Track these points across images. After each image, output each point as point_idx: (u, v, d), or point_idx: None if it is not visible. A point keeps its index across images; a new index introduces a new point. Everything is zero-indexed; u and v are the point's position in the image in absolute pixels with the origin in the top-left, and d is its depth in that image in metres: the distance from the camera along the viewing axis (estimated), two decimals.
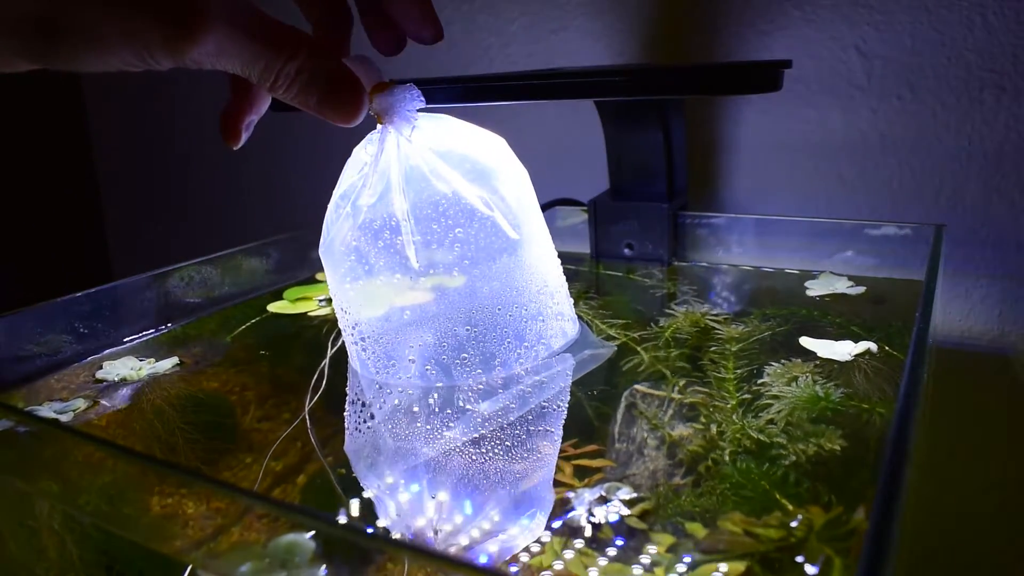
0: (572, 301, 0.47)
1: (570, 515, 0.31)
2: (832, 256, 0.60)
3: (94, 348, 0.53)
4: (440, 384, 0.42)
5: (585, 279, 0.63)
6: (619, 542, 0.30)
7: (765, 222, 0.63)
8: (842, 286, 0.56)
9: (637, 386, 0.43)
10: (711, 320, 0.51)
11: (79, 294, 0.53)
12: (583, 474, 0.35)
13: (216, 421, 0.44)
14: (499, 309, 0.42)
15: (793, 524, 0.30)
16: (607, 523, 0.31)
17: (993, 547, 0.65)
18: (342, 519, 0.33)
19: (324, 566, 0.27)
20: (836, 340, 0.46)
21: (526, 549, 0.30)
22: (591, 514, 0.31)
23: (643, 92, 0.50)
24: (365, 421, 0.42)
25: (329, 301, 0.60)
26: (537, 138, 0.80)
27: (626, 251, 0.65)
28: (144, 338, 0.56)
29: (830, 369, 0.43)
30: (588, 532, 0.30)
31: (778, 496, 0.32)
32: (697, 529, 0.30)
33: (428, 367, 0.42)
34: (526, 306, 0.43)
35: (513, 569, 0.29)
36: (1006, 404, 0.64)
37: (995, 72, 0.59)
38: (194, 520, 0.32)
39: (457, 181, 0.41)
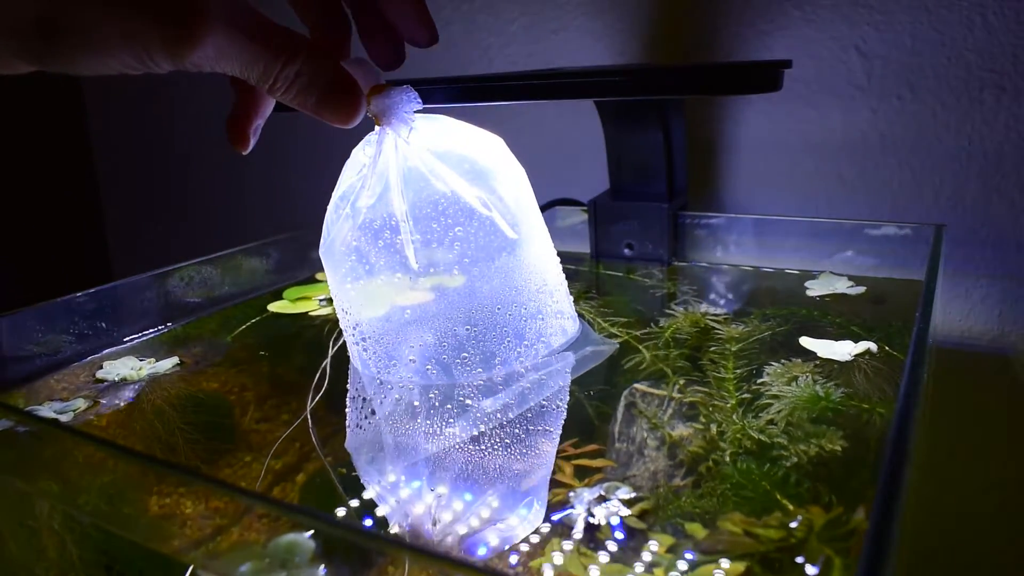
0: (572, 299, 0.47)
1: (569, 514, 0.31)
2: (832, 256, 0.60)
3: (94, 348, 0.53)
4: (441, 382, 0.42)
5: (585, 279, 0.63)
6: (619, 542, 0.30)
7: (765, 222, 0.63)
8: (842, 286, 0.56)
9: (637, 385, 0.43)
10: (711, 320, 0.51)
11: (79, 294, 0.53)
12: (583, 474, 0.35)
13: (216, 421, 0.44)
14: (499, 308, 0.42)
15: (793, 524, 0.30)
16: (607, 523, 0.31)
17: (993, 547, 0.65)
18: (343, 518, 0.33)
19: (324, 566, 0.27)
20: (836, 340, 0.46)
21: (526, 547, 0.30)
22: (590, 514, 0.31)
23: (643, 92, 0.50)
24: (366, 417, 0.42)
25: (329, 301, 0.60)
26: (537, 138, 0.80)
27: (626, 251, 0.65)
28: (144, 338, 0.56)
29: (830, 369, 0.43)
30: (588, 532, 0.30)
31: (778, 496, 0.32)
32: (697, 529, 0.30)
33: (429, 366, 0.42)
34: (525, 305, 0.43)
35: (512, 568, 0.29)
36: (1006, 404, 0.64)
37: (995, 72, 0.59)
38: (194, 520, 0.32)
39: (455, 181, 0.41)
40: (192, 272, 0.61)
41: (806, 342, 0.46)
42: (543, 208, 0.46)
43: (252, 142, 0.37)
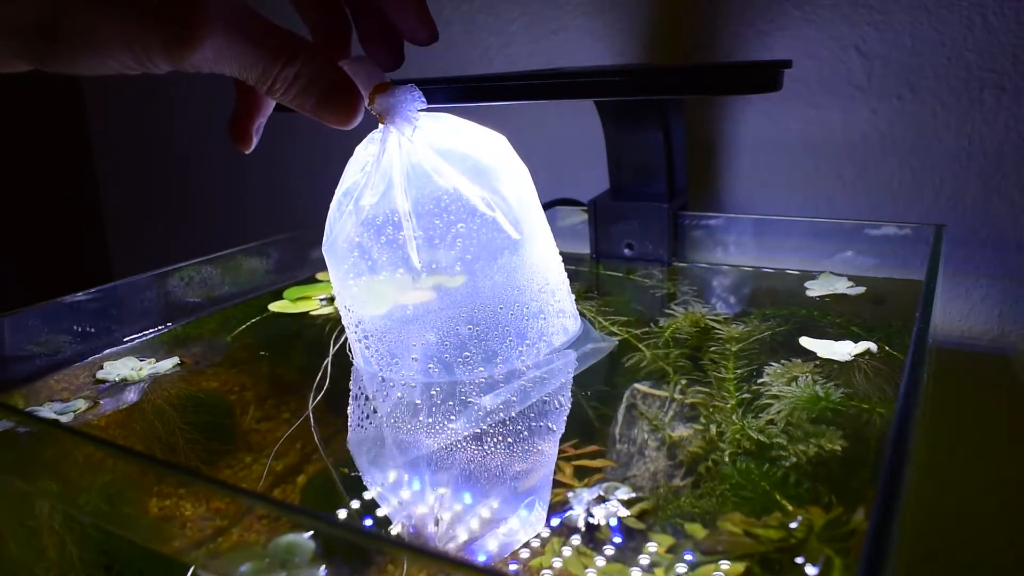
0: (573, 297, 0.47)
1: (569, 515, 0.31)
2: (832, 256, 0.60)
3: (94, 348, 0.53)
4: (443, 380, 0.42)
5: (585, 279, 0.63)
6: (618, 543, 0.30)
7: (765, 222, 0.63)
8: (842, 286, 0.56)
9: (637, 385, 0.43)
10: (711, 320, 0.51)
11: (79, 294, 0.53)
12: (583, 474, 0.35)
13: (216, 421, 0.44)
14: (501, 308, 0.42)
15: (793, 525, 0.30)
16: (606, 523, 0.31)
17: (993, 547, 0.65)
18: (343, 518, 0.33)
19: (324, 566, 0.27)
20: (836, 340, 0.46)
21: (525, 546, 0.30)
22: (590, 514, 0.31)
23: (643, 92, 0.50)
24: (367, 416, 0.42)
25: (330, 300, 0.60)
26: (537, 138, 0.80)
27: (626, 251, 0.65)
28: (144, 338, 0.56)
29: (830, 369, 0.43)
30: (587, 532, 0.30)
31: (778, 497, 0.32)
32: (697, 530, 0.30)
33: (431, 365, 0.42)
34: (527, 304, 0.43)
35: (513, 568, 0.29)
36: (1006, 404, 0.64)
37: (995, 72, 0.59)
38: (194, 520, 0.32)
39: (458, 180, 0.41)
40: (192, 272, 0.61)
41: (806, 342, 0.46)
42: (543, 208, 0.46)
43: (254, 141, 0.37)
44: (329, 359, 0.48)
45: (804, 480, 0.33)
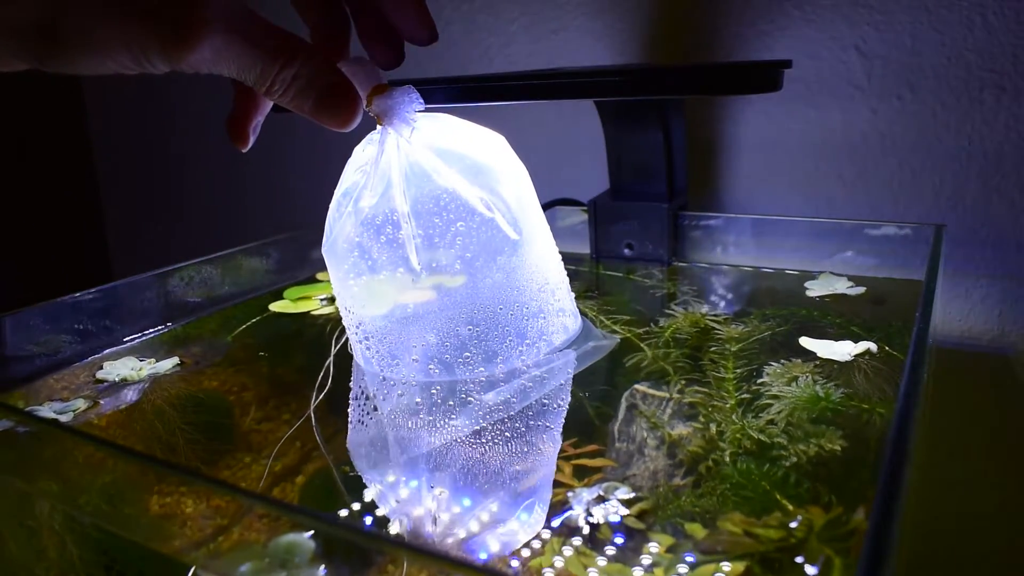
0: (573, 296, 0.47)
1: (569, 514, 0.31)
2: (832, 256, 0.60)
3: (94, 348, 0.53)
4: (444, 380, 0.42)
5: (585, 279, 0.63)
6: (618, 542, 0.30)
7: (765, 222, 0.63)
8: (842, 286, 0.56)
9: (637, 386, 0.43)
10: (711, 320, 0.51)
11: (79, 294, 0.53)
12: (583, 474, 0.35)
13: (217, 421, 0.44)
14: (500, 308, 0.42)
15: (793, 524, 0.30)
16: (606, 523, 0.31)
17: (993, 547, 0.65)
18: (344, 517, 0.33)
19: (324, 566, 0.27)
20: (836, 340, 0.46)
21: (525, 546, 0.30)
22: (589, 514, 0.31)
23: (643, 92, 0.50)
24: (368, 413, 0.42)
25: (331, 300, 0.60)
26: (537, 138, 0.80)
27: (626, 251, 0.65)
28: (144, 338, 0.56)
29: (830, 369, 0.43)
30: (587, 532, 0.30)
31: (778, 496, 0.32)
32: (697, 529, 0.30)
33: (431, 366, 0.42)
34: (527, 304, 0.43)
35: (513, 568, 0.29)
36: (1006, 404, 0.64)
37: (995, 72, 0.59)
38: (194, 520, 0.32)
39: (457, 181, 0.41)
40: (192, 272, 0.61)
41: (806, 342, 0.46)
42: (543, 208, 0.46)
43: (252, 139, 0.37)
44: (331, 359, 0.48)
45: (804, 480, 0.33)
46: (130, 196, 1.26)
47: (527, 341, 0.43)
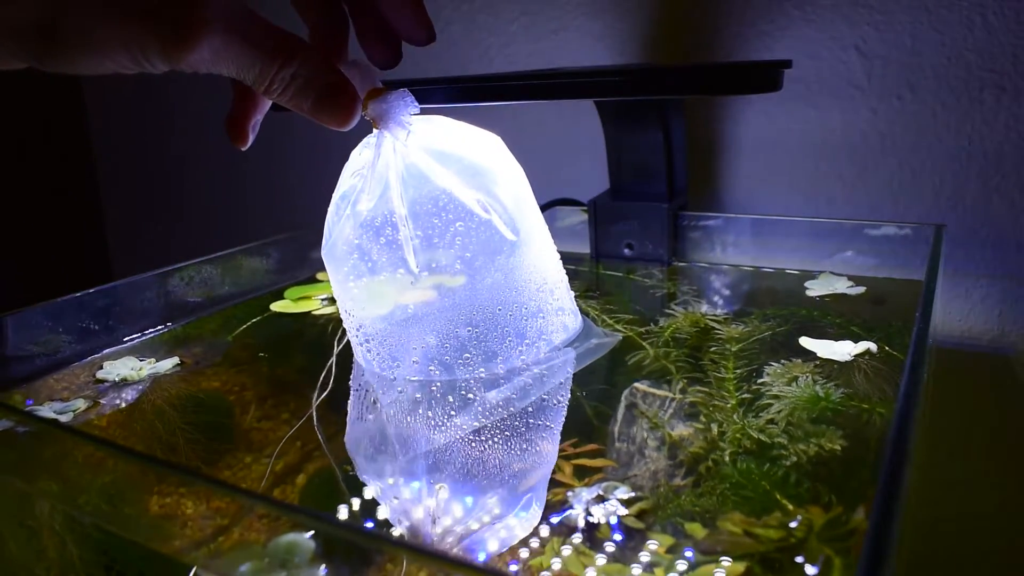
0: (573, 295, 0.47)
1: (568, 514, 0.31)
2: (832, 256, 0.60)
3: (94, 348, 0.53)
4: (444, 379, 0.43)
5: (585, 279, 0.63)
6: (618, 542, 0.30)
7: (765, 222, 0.63)
8: (842, 286, 0.56)
9: (637, 385, 0.43)
10: (711, 320, 0.51)
11: (79, 294, 0.53)
12: (583, 474, 0.35)
13: (217, 421, 0.44)
14: (499, 309, 0.42)
15: (793, 524, 0.30)
16: (606, 523, 0.31)
17: (993, 547, 0.65)
18: (344, 517, 0.33)
19: (324, 566, 0.27)
20: (836, 340, 0.46)
21: (525, 546, 0.30)
22: (589, 514, 0.31)
23: (643, 92, 0.50)
24: (368, 408, 0.42)
25: (332, 300, 0.60)
26: (537, 138, 0.80)
27: (626, 251, 0.65)
28: (144, 338, 0.56)
29: (830, 369, 0.43)
30: (587, 532, 0.30)
31: (778, 496, 0.32)
32: (697, 529, 0.30)
33: (432, 367, 0.42)
34: (526, 304, 0.43)
35: (513, 568, 0.29)
36: (1006, 404, 0.64)
37: (995, 72, 0.59)
38: (194, 520, 0.32)
39: (453, 183, 0.41)
40: (192, 272, 0.61)
41: (806, 342, 0.46)
42: (543, 208, 0.46)
43: (251, 138, 0.37)
44: (333, 358, 0.48)
45: (804, 480, 0.33)
46: (130, 196, 1.26)
47: (527, 341, 0.43)
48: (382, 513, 0.33)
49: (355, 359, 0.47)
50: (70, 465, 0.35)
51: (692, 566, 0.28)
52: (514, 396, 0.41)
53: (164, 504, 0.34)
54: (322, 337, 0.53)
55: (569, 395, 0.42)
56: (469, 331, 0.42)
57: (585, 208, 0.67)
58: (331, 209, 0.44)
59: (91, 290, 0.54)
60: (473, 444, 0.37)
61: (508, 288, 0.42)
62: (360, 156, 0.43)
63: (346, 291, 0.44)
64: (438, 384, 0.42)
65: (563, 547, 0.30)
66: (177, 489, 0.34)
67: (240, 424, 0.43)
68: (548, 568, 0.29)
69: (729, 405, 0.40)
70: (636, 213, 0.64)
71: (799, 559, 0.28)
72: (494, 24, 0.80)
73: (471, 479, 0.35)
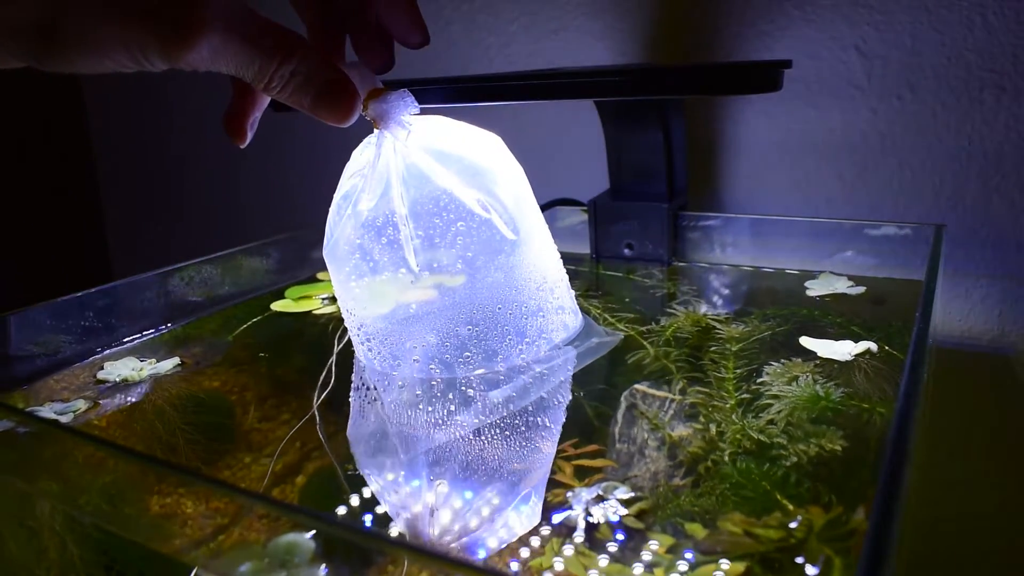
0: (573, 293, 0.47)
1: (568, 514, 0.32)
2: (832, 256, 0.60)
3: (95, 348, 0.53)
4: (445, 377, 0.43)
5: (585, 279, 0.63)
6: (619, 543, 0.30)
7: (765, 222, 0.63)
8: (842, 286, 0.56)
9: (637, 386, 0.43)
10: (711, 320, 0.51)
11: (79, 294, 0.53)
12: (583, 474, 0.35)
13: (217, 422, 0.44)
14: (499, 308, 0.42)
15: (793, 524, 0.30)
16: (606, 523, 0.31)
17: (993, 547, 0.65)
18: (344, 516, 0.33)
19: (324, 566, 0.27)
20: (836, 340, 0.46)
21: (525, 546, 0.30)
22: (589, 514, 0.31)
23: (643, 92, 0.50)
24: (369, 404, 0.42)
25: (332, 300, 0.60)
26: (537, 138, 0.80)
27: (626, 251, 0.65)
28: (145, 338, 0.56)
29: (830, 369, 0.43)
30: (587, 532, 0.30)
31: (778, 496, 0.32)
32: (697, 529, 0.30)
33: (432, 366, 0.43)
34: (526, 303, 0.43)
35: (513, 568, 0.29)
36: (1006, 404, 0.64)
37: (995, 72, 0.59)
38: (194, 520, 0.32)
39: (453, 183, 0.41)
40: (192, 272, 0.61)
41: (806, 342, 0.46)
42: (543, 208, 0.46)
43: (249, 136, 0.37)
44: (334, 358, 0.48)
45: (804, 480, 0.33)
46: (130, 196, 1.26)
47: (527, 339, 0.43)
48: (382, 513, 0.33)
49: (356, 357, 0.47)
50: (70, 465, 0.35)
51: (692, 566, 0.28)
52: (514, 395, 0.41)
53: (164, 504, 0.34)
54: (323, 336, 0.53)
55: (570, 395, 0.42)
56: (469, 330, 0.42)
57: (585, 208, 0.67)
58: (332, 209, 0.44)
59: (91, 290, 0.54)
60: (473, 443, 0.37)
61: (508, 287, 0.42)
62: (361, 156, 0.43)
63: (348, 291, 0.44)
64: (438, 382, 0.42)
65: (563, 547, 0.30)
66: (177, 489, 0.34)
67: (240, 424, 0.43)
68: (549, 568, 0.29)
69: (729, 405, 0.40)
70: (636, 213, 0.64)
71: (799, 559, 0.28)
72: (494, 24, 0.80)
73: (471, 478, 0.35)
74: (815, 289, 0.57)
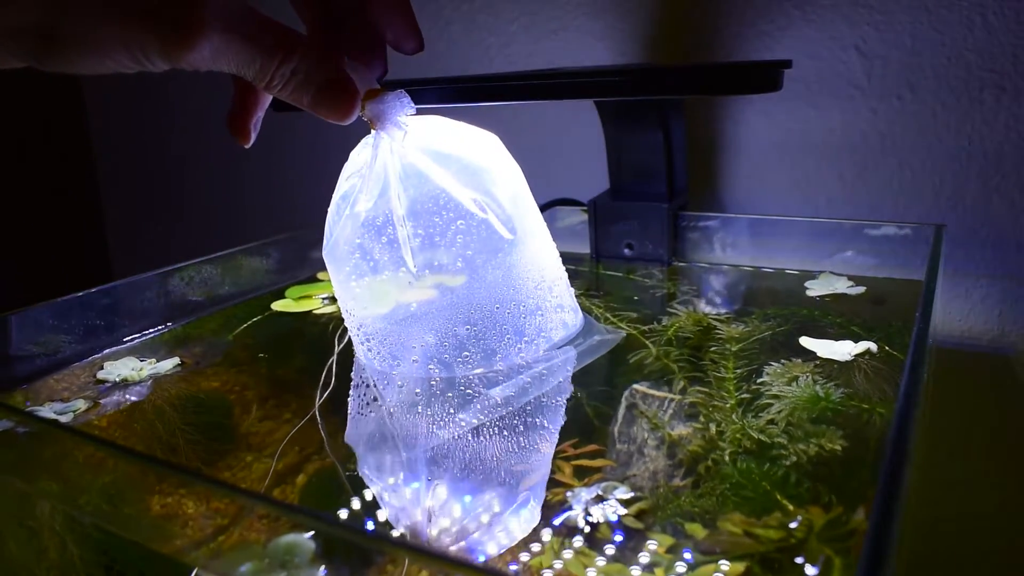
0: (573, 291, 0.47)
1: (568, 515, 0.32)
2: (832, 256, 0.60)
3: (94, 348, 0.53)
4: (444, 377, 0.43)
5: (585, 279, 0.63)
6: (618, 543, 0.30)
7: (765, 222, 0.63)
8: (842, 286, 0.56)
9: (637, 386, 0.43)
10: (711, 320, 0.51)
11: (80, 294, 0.53)
12: (583, 474, 0.35)
13: (217, 421, 0.44)
14: (497, 307, 0.42)
15: (793, 524, 0.30)
16: (606, 523, 0.31)
17: (993, 547, 0.65)
18: (344, 517, 0.33)
19: (324, 566, 0.27)
20: (836, 340, 0.46)
21: (524, 546, 0.30)
22: (588, 514, 0.31)
23: (643, 92, 0.50)
24: (368, 404, 0.42)
25: (333, 299, 0.60)
26: (537, 138, 0.80)
27: (626, 251, 0.65)
28: (145, 338, 0.56)
29: (830, 369, 0.43)
30: (587, 532, 0.30)
31: (778, 496, 0.32)
32: (697, 530, 0.30)
33: (431, 365, 0.43)
34: (524, 302, 0.43)
35: (512, 568, 0.29)
36: (1006, 404, 0.64)
37: (995, 72, 0.59)
38: (194, 520, 0.32)
39: (450, 183, 0.41)
40: (192, 272, 0.61)
41: (806, 342, 0.46)
42: (543, 208, 0.46)
43: (253, 135, 0.37)
44: (334, 357, 0.48)
45: (804, 480, 0.33)
46: (130, 196, 1.26)
47: (525, 338, 0.43)
48: (382, 513, 0.33)
49: (356, 357, 0.47)
50: (70, 465, 0.35)
51: (692, 566, 0.28)
52: (513, 394, 0.41)
53: (164, 504, 0.34)
54: (323, 336, 0.53)
55: (569, 394, 0.42)
56: (468, 329, 0.42)
57: (585, 208, 0.67)
58: (331, 209, 0.44)
59: (92, 290, 0.54)
60: (473, 442, 0.37)
61: (506, 286, 0.42)
62: (358, 157, 0.43)
63: (348, 290, 0.44)
64: (437, 381, 0.42)
65: (563, 547, 0.30)
66: (177, 489, 0.34)
67: (240, 424, 0.43)
68: (549, 567, 0.29)
69: (729, 405, 0.40)
70: (636, 213, 0.64)
71: (799, 559, 0.28)
72: (494, 24, 0.80)
73: (470, 477, 0.35)
74: (815, 289, 0.57)
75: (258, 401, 0.45)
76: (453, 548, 0.30)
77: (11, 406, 0.43)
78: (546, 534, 0.30)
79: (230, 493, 0.31)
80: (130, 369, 0.50)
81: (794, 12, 0.65)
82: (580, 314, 0.48)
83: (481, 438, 0.38)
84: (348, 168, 0.44)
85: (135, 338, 0.55)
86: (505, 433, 0.38)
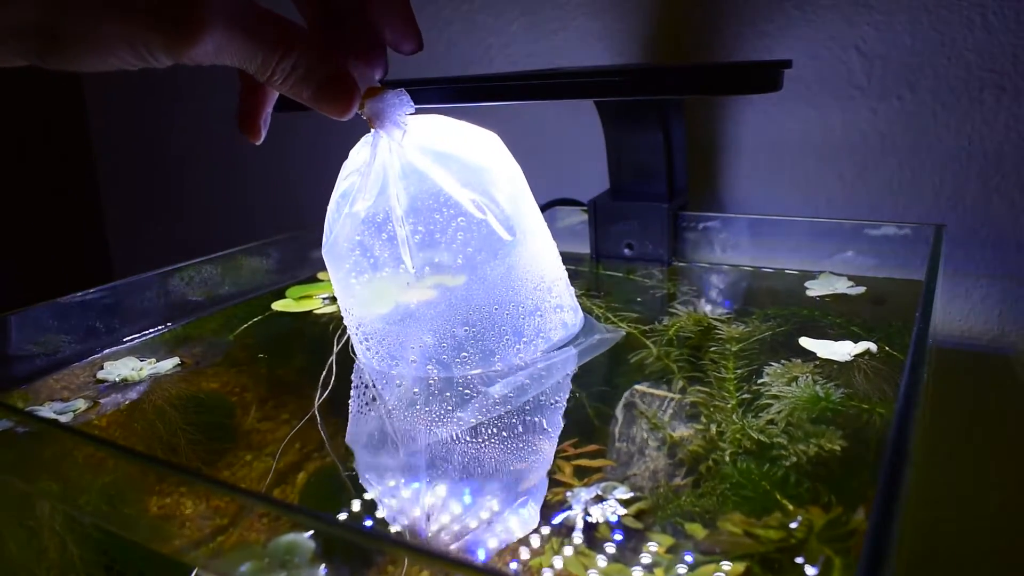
0: (573, 291, 0.47)
1: (568, 514, 0.31)
2: (832, 256, 0.60)
3: (94, 348, 0.53)
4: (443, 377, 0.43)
5: (585, 279, 0.63)
6: (619, 543, 0.30)
7: (765, 222, 0.63)
8: (842, 286, 0.56)
9: (637, 386, 0.43)
10: (711, 320, 0.51)
11: (80, 294, 0.53)
12: (583, 474, 0.35)
13: (218, 421, 0.44)
14: (496, 308, 0.42)
15: (793, 525, 0.30)
16: (606, 523, 0.31)
17: (993, 547, 0.65)
18: (344, 517, 0.33)
19: (324, 566, 0.27)
20: (836, 340, 0.46)
21: (524, 546, 0.30)
22: (588, 514, 0.31)
23: (643, 92, 0.50)
24: (367, 404, 0.42)
25: (333, 299, 0.60)
26: (537, 138, 0.80)
27: (626, 251, 0.65)
28: (145, 338, 0.56)
29: (830, 369, 0.43)
30: (587, 532, 0.30)
31: (778, 496, 0.32)
32: (697, 530, 0.30)
33: (430, 366, 0.43)
34: (523, 303, 0.43)
35: (512, 568, 0.29)
36: (1006, 404, 0.64)
37: (995, 72, 0.59)
38: (194, 520, 0.32)
39: (449, 183, 0.41)
40: (193, 272, 0.61)
41: (806, 342, 0.46)
42: (543, 208, 0.46)
43: (263, 133, 0.37)
44: (334, 357, 0.48)
45: (804, 480, 0.33)
46: (130, 196, 1.26)
47: (524, 339, 0.43)
48: (382, 512, 0.33)
49: (355, 356, 0.47)
50: (70, 465, 0.35)
51: (692, 566, 0.28)
52: (513, 393, 0.41)
53: (164, 504, 0.34)
54: (323, 336, 0.53)
55: (570, 394, 0.42)
56: (466, 330, 0.42)
57: (585, 208, 0.67)
58: (331, 207, 0.44)
59: (92, 290, 0.54)
60: (473, 442, 0.37)
61: (504, 287, 0.42)
62: (358, 155, 0.43)
63: (347, 289, 0.44)
64: (435, 379, 0.42)
65: (563, 547, 0.30)
66: (177, 489, 0.34)
67: (241, 424, 0.43)
68: (549, 567, 0.29)
69: (729, 405, 0.40)
70: (636, 213, 0.64)
71: (799, 559, 0.28)
72: (494, 24, 0.80)
73: (469, 477, 0.35)
74: (815, 289, 0.57)
75: (258, 401, 0.45)
76: (453, 548, 0.30)
77: (11, 406, 0.43)
78: (547, 534, 0.30)
79: (230, 493, 0.31)
80: (130, 369, 0.50)
81: (794, 12, 0.65)
82: (580, 314, 0.48)
83: (481, 438, 0.38)
84: (347, 166, 0.44)
85: (135, 338, 0.55)
86: (505, 433, 0.38)
